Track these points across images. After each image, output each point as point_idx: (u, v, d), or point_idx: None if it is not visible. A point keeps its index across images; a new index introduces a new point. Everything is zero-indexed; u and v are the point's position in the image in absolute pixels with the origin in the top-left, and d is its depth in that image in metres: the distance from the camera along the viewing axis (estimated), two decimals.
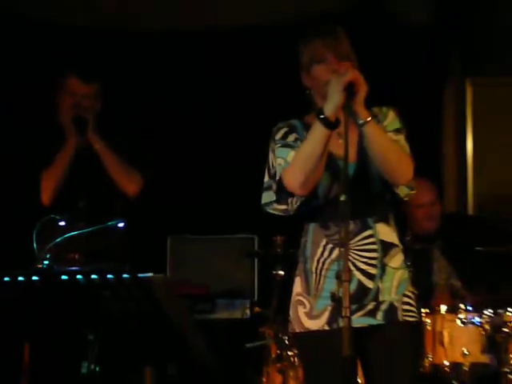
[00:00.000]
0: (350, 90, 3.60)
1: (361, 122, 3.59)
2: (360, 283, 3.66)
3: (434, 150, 7.22)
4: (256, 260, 6.47)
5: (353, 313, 3.38)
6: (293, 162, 3.68)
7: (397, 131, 3.82)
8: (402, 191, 3.79)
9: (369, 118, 3.57)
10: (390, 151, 3.65)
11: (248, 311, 6.29)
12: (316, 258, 3.78)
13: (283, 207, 3.76)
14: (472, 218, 6.77)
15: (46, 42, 6.87)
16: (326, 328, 3.71)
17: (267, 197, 3.82)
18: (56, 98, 5.59)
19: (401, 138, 3.81)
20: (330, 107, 3.50)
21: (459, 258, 6.03)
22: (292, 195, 3.69)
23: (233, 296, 6.39)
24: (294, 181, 3.62)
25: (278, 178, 3.76)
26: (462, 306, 5.28)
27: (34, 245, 4.59)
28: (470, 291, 5.80)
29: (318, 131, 3.59)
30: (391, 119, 3.87)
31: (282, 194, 3.72)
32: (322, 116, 3.50)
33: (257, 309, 6.14)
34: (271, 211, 3.84)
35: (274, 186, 3.77)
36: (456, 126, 7.31)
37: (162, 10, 7.05)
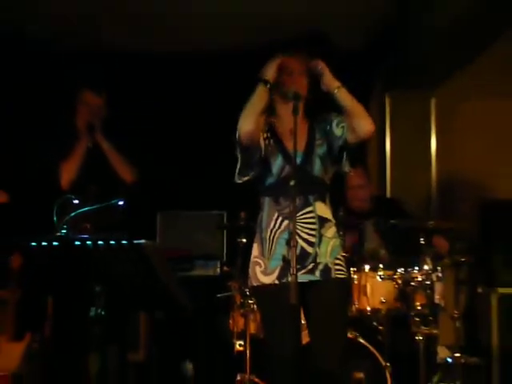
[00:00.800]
0: (296, 97, 3.74)
1: (335, 90, 3.77)
2: (302, 249, 3.76)
3: (361, 149, 7.29)
4: (225, 231, 6.55)
5: (297, 271, 3.51)
6: (242, 114, 3.82)
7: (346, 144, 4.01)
8: (346, 167, 4.02)
9: (339, 86, 3.78)
10: (358, 107, 3.84)
11: (218, 270, 6.32)
12: (269, 229, 3.87)
13: (245, 178, 3.95)
14: (389, 200, 6.83)
15: (67, 65, 6.91)
16: (277, 282, 3.82)
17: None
18: (75, 107, 5.70)
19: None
20: (265, 72, 3.84)
21: (385, 231, 6.12)
22: (245, 153, 3.89)
23: (207, 258, 6.44)
24: (242, 128, 3.80)
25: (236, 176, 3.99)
26: (381, 265, 5.37)
27: (55, 218, 4.65)
28: (389, 255, 5.91)
29: (258, 89, 3.83)
30: (341, 126, 4.03)
31: (241, 159, 3.95)
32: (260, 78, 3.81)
33: (225, 268, 6.17)
34: (239, 181, 4.00)
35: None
36: (378, 130, 7.35)
37: (163, 36, 7.07)
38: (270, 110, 4.08)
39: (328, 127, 4.01)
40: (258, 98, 3.86)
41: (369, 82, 7.44)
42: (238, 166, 3.96)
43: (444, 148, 7.02)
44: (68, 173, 5.59)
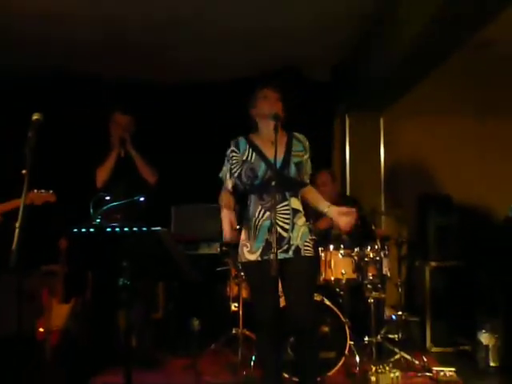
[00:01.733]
0: (276, 118, 3.76)
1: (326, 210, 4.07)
2: (280, 234, 3.77)
3: (328, 157, 7.30)
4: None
5: (274, 251, 3.53)
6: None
7: (308, 155, 4.10)
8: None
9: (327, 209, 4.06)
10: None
11: (218, 249, 6.35)
12: (254, 218, 3.91)
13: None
14: (349, 196, 6.81)
15: (101, 92, 6.96)
16: (259, 259, 3.88)
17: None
18: (109, 125, 5.72)
19: (308, 159, 4.11)
20: None
21: None
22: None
23: (210, 240, 6.48)
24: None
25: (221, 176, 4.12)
26: (342, 246, 5.37)
27: (91, 211, 4.63)
28: (348, 238, 5.91)
29: None
30: (308, 149, 4.09)
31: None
32: None
33: (223, 248, 6.19)
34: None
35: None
36: (340, 143, 7.37)
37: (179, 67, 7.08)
38: (254, 128, 4.15)
39: (300, 153, 4.06)
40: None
41: (333, 106, 7.43)
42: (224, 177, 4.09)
43: (390, 155, 7.03)
44: (101, 176, 5.62)
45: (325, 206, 4.13)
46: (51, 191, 4.64)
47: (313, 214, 5.01)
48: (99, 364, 5.46)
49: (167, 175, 5.90)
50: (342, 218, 4.01)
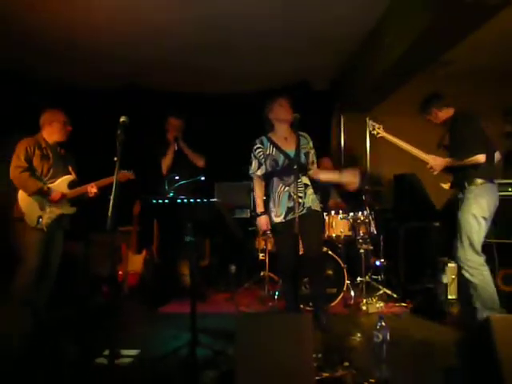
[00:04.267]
0: (296, 119, 3.73)
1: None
2: (294, 202, 3.78)
3: (327, 146, 7.28)
4: (252, 193, 6.39)
5: (294, 212, 3.53)
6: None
7: (311, 147, 4.14)
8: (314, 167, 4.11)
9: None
10: None
11: (249, 214, 6.36)
12: (277, 193, 3.99)
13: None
14: None
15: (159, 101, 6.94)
16: (283, 220, 3.92)
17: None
18: (166, 128, 5.74)
19: (312, 150, 4.14)
20: None
21: (341, 191, 6.11)
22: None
23: (242, 207, 6.46)
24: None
25: (251, 171, 4.17)
26: (340, 211, 5.35)
27: (166, 187, 4.66)
28: (346, 205, 5.90)
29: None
30: (311, 142, 4.13)
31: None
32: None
33: (252, 213, 6.19)
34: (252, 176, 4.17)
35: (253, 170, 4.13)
36: (337, 137, 7.34)
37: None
38: (270, 128, 4.18)
39: (307, 146, 4.11)
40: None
41: (331, 107, 7.40)
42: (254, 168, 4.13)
43: (374, 146, 6.97)
44: (165, 164, 5.61)
45: (336, 173, 4.26)
46: (131, 171, 4.63)
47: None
48: (164, 298, 5.50)
49: (212, 161, 5.86)
50: (349, 176, 4.03)
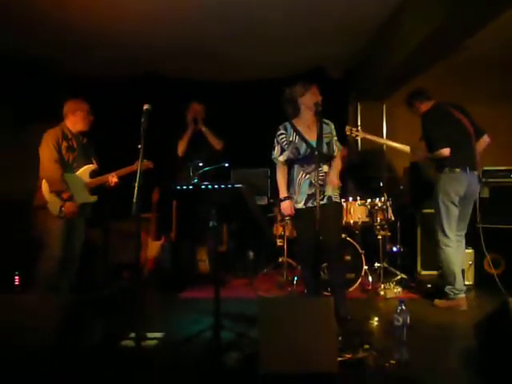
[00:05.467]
0: (317, 105, 3.76)
1: None
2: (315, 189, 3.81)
3: (344, 134, 7.27)
4: (269, 180, 6.47)
5: (314, 200, 3.59)
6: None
7: (336, 136, 4.13)
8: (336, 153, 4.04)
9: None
10: None
11: (266, 201, 6.38)
12: (298, 179, 3.98)
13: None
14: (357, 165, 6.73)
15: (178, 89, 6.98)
16: (303, 207, 3.97)
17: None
18: (186, 113, 5.77)
19: (336, 139, 4.13)
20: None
21: (357, 180, 6.17)
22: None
23: (260, 194, 6.41)
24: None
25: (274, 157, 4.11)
26: (358, 197, 5.40)
27: (190, 173, 4.73)
28: (361, 193, 5.94)
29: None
30: (334, 131, 4.12)
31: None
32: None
33: (270, 200, 6.26)
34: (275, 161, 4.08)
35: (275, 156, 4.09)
36: (353, 125, 7.27)
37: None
38: (295, 113, 4.11)
39: (329, 134, 4.08)
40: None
41: (348, 95, 7.37)
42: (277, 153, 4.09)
43: (390, 133, 7.00)
44: (182, 147, 5.72)
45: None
46: (149, 160, 4.69)
47: None
48: (182, 283, 5.60)
49: (229, 148, 5.91)
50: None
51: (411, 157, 4.65)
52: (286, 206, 4.03)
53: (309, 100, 3.99)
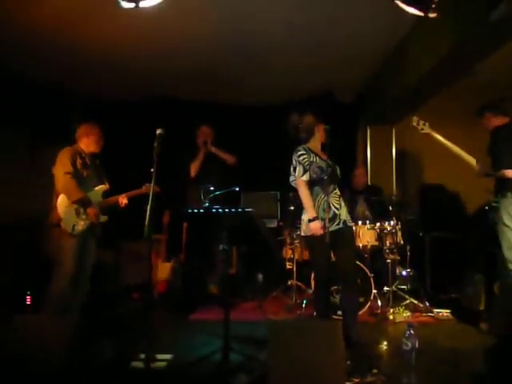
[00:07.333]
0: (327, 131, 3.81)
1: None
2: (334, 212, 3.86)
3: (353, 158, 7.35)
4: (279, 203, 6.56)
5: (331, 225, 3.61)
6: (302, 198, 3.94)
7: None
8: None
9: None
10: None
11: (276, 224, 6.43)
12: (317, 201, 3.95)
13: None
14: (370, 186, 6.77)
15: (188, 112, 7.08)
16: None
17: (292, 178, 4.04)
18: (197, 134, 5.88)
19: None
20: None
21: (369, 202, 6.18)
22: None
23: (270, 217, 6.50)
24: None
25: (295, 178, 4.03)
26: (367, 221, 5.43)
27: (202, 197, 4.79)
28: (371, 215, 5.96)
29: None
30: None
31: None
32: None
33: (280, 223, 6.29)
34: (293, 184, 4.05)
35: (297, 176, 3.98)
36: (363, 149, 7.42)
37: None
38: (308, 137, 4.14)
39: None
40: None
41: (357, 120, 7.45)
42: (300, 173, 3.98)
43: (400, 157, 7.05)
44: (194, 168, 5.85)
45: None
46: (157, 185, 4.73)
47: None
48: (191, 305, 5.62)
49: (239, 172, 5.99)
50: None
51: (476, 171, 4.32)
52: (316, 227, 3.83)
53: (317, 137, 4.13)
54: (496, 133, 4.32)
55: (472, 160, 4.40)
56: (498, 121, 4.37)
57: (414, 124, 4.65)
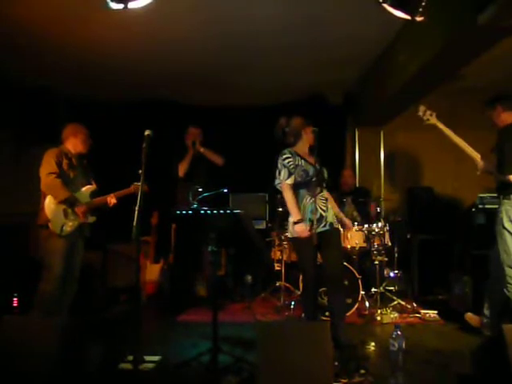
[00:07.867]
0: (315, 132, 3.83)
1: None
2: (320, 214, 3.87)
3: (342, 160, 7.35)
4: (267, 204, 6.59)
5: (318, 226, 3.62)
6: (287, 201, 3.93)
7: None
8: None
9: None
10: None
11: (264, 225, 6.44)
12: (302, 204, 3.94)
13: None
14: (358, 187, 6.80)
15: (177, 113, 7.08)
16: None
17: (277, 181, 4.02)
18: (185, 137, 5.91)
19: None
20: None
21: (358, 203, 6.21)
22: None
23: (258, 219, 6.53)
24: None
25: (280, 181, 4.00)
26: (356, 223, 5.45)
27: (190, 198, 4.78)
28: (360, 217, 6.00)
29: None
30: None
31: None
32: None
33: (268, 224, 6.30)
34: (278, 187, 4.03)
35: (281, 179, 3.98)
36: (351, 151, 7.41)
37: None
38: (295, 140, 4.15)
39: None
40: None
41: (345, 121, 7.46)
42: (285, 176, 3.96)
43: (388, 159, 7.09)
44: (182, 168, 5.89)
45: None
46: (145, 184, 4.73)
47: None
48: (180, 307, 5.62)
49: (227, 173, 6.03)
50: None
51: (480, 167, 4.15)
52: (301, 229, 3.82)
53: (305, 139, 4.12)
54: (505, 131, 4.14)
55: (476, 155, 4.22)
56: (508, 117, 4.18)
57: (420, 113, 4.43)
